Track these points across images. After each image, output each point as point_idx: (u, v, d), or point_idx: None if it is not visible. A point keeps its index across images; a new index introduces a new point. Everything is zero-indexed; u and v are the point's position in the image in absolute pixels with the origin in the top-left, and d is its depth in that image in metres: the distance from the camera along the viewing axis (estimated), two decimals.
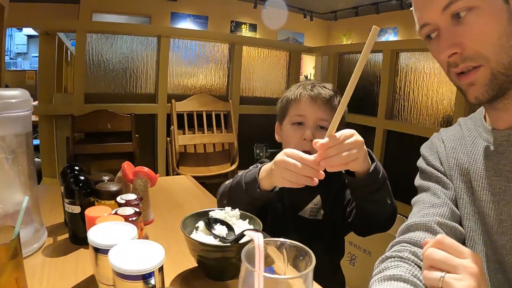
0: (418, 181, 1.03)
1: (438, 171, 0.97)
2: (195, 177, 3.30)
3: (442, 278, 0.63)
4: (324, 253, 1.30)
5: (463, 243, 0.91)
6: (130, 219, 0.93)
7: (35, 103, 3.17)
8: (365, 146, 0.95)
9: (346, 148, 0.89)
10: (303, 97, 1.30)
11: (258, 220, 1.00)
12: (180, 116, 3.48)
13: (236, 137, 3.69)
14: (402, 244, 0.85)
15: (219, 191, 1.27)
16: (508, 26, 0.76)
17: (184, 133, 3.49)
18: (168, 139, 3.49)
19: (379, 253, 0.85)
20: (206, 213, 1.03)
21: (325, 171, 0.99)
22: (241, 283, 0.50)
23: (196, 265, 0.96)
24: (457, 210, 0.91)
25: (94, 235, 0.74)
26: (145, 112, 3.45)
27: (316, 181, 0.93)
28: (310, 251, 0.59)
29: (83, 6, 8.33)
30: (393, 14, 8.98)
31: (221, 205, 1.17)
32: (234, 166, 3.61)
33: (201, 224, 0.97)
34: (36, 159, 4.41)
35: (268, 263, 0.60)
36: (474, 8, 0.76)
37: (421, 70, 3.18)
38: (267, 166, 1.06)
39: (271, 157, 1.21)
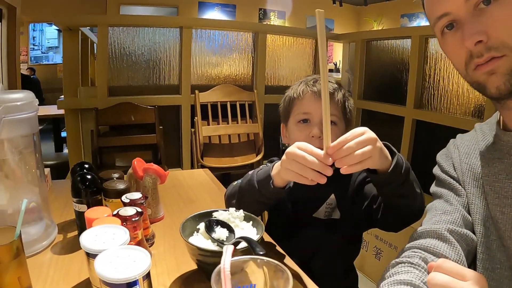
0: (433, 188, 1.03)
1: (451, 177, 0.96)
2: (220, 168, 3.35)
3: None
4: (338, 253, 1.29)
5: (475, 250, 0.88)
6: (133, 219, 0.93)
7: (61, 97, 3.25)
8: (379, 142, 0.89)
9: (358, 146, 0.83)
10: (306, 93, 1.27)
11: (262, 222, 0.99)
12: (204, 107, 3.48)
13: (261, 127, 3.67)
14: (413, 250, 0.84)
15: (226, 192, 1.24)
16: None
17: (208, 124, 3.50)
18: (193, 130, 3.50)
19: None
20: (209, 214, 1.02)
21: (337, 170, 0.95)
22: None
23: None
24: (469, 217, 0.89)
25: (86, 239, 0.75)
26: (169, 103, 3.47)
27: (324, 178, 0.87)
28: (287, 270, 0.57)
29: None
30: None
31: (229, 206, 1.14)
32: (259, 157, 3.59)
33: (202, 226, 0.97)
34: (65, 151, 4.54)
35: (251, 281, 0.59)
36: None
37: (449, 60, 3.06)
38: (278, 162, 1.02)
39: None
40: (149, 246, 1.10)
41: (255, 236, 0.94)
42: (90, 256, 0.74)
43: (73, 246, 1.06)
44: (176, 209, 1.39)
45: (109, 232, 0.79)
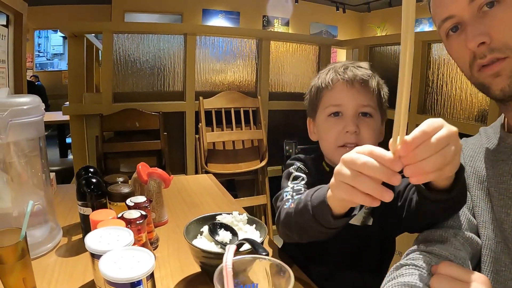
0: None
1: None
2: (224, 174, 3.35)
3: None
4: (374, 261, 1.15)
5: (479, 253, 0.89)
6: (137, 222, 0.94)
7: (66, 103, 3.27)
8: (460, 142, 0.67)
9: (440, 145, 0.61)
10: (336, 82, 1.11)
11: (265, 226, 1.00)
12: (208, 113, 3.50)
13: (265, 134, 3.67)
14: (418, 253, 0.83)
15: (278, 217, 1.00)
16: None
17: (212, 130, 3.51)
18: (197, 136, 3.51)
19: None
20: (213, 217, 1.03)
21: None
22: None
23: None
24: (474, 220, 0.90)
25: (91, 240, 0.76)
26: (173, 110, 3.48)
27: (389, 192, 0.64)
28: (289, 268, 0.57)
29: (115, 6, 8.53)
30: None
31: (284, 236, 1.02)
32: (263, 163, 3.59)
33: (205, 229, 0.98)
34: (70, 157, 4.56)
35: (252, 281, 0.60)
36: (501, 0, 0.77)
37: (454, 62, 3.07)
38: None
39: (302, 153, 1.17)
40: (153, 249, 1.11)
41: (258, 239, 0.94)
42: (95, 257, 0.74)
43: (78, 249, 1.07)
44: (180, 213, 1.40)
45: (113, 233, 0.80)
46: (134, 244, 0.82)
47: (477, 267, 0.88)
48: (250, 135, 3.66)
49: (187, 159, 3.60)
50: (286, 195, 1.03)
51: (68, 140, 4.67)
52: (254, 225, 1.01)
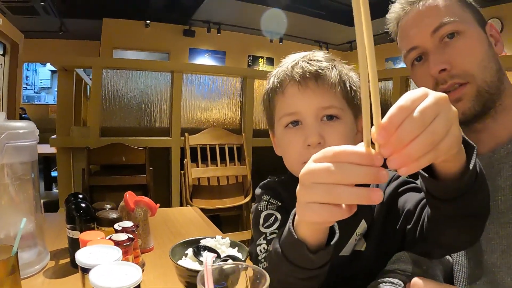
0: None
1: None
2: (209, 210, 3.37)
3: None
4: None
5: (451, 270, 0.93)
6: (124, 244, 0.97)
7: (54, 136, 3.30)
8: (454, 108, 0.53)
9: (427, 119, 0.47)
10: (286, 84, 0.90)
11: (247, 248, 1.04)
12: (193, 149, 3.55)
13: (249, 170, 3.72)
14: (393, 272, 0.87)
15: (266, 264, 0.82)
16: (489, 50, 0.88)
17: (197, 166, 3.55)
18: (182, 172, 3.55)
19: None
20: (197, 241, 1.07)
21: None
22: None
23: None
24: None
25: (82, 256, 0.79)
26: (159, 145, 3.54)
27: (378, 194, 0.50)
28: (266, 273, 0.57)
29: (104, 43, 8.69)
30: None
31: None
32: (247, 199, 3.63)
33: (190, 251, 1.02)
34: (55, 190, 4.54)
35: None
36: (460, 32, 0.87)
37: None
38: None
39: (264, 186, 1.04)
40: None
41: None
42: (85, 271, 0.78)
43: (64, 271, 1.10)
44: (166, 241, 1.43)
45: (102, 251, 0.84)
46: None
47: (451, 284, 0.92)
48: (235, 171, 3.71)
49: (172, 194, 3.62)
50: (259, 252, 0.88)
51: (54, 173, 4.66)
52: (237, 248, 1.05)
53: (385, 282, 0.78)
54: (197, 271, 0.89)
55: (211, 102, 3.96)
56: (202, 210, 1.89)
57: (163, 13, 8.94)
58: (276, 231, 0.88)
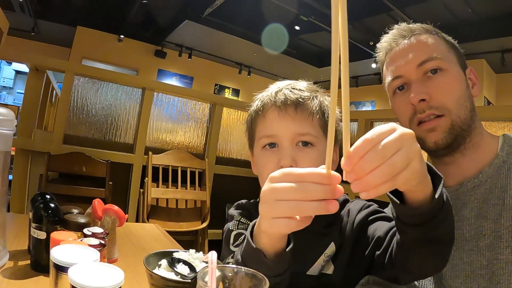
0: None
1: None
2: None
3: None
4: None
5: None
6: (97, 249, 0.93)
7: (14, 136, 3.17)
8: (418, 145, 0.58)
9: (388, 152, 0.54)
10: (268, 109, 0.96)
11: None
12: (155, 169, 3.50)
13: (209, 196, 3.69)
14: None
15: None
16: (466, 90, 0.96)
17: (157, 186, 3.49)
18: (141, 190, 3.48)
19: None
20: (170, 253, 1.04)
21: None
22: None
23: None
24: None
25: (57, 253, 0.75)
26: (122, 161, 3.46)
27: (335, 204, 0.58)
28: (265, 278, 0.58)
29: (75, 51, 8.55)
30: (372, 88, 9.48)
31: None
32: (204, 225, 3.58)
33: (163, 262, 0.98)
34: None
35: None
36: (443, 69, 0.95)
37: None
38: (255, 220, 0.73)
39: (237, 206, 1.08)
40: None
41: None
42: (62, 270, 0.73)
43: (24, 273, 1.03)
44: (129, 254, 1.38)
45: (79, 251, 0.80)
46: None
47: None
48: (194, 195, 3.67)
49: (128, 212, 3.53)
50: None
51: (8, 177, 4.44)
52: None
53: None
54: (173, 281, 0.87)
55: (178, 124, 3.95)
56: None
57: (138, 30, 8.93)
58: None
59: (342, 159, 0.55)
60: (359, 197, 0.58)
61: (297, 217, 0.61)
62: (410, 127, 0.99)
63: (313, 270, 0.91)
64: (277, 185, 0.60)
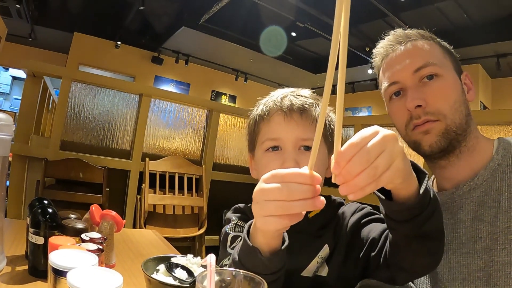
0: None
1: None
2: None
3: None
4: None
5: None
6: (95, 254, 0.93)
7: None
8: (401, 144, 0.62)
9: (373, 155, 0.57)
10: (273, 113, 0.99)
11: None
12: (152, 175, 3.50)
13: (206, 202, 3.69)
14: None
15: None
16: (461, 95, 0.97)
17: (154, 193, 3.49)
18: (138, 196, 3.47)
19: None
20: (168, 258, 1.04)
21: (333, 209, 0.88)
22: None
23: None
24: None
25: (56, 257, 0.75)
26: (119, 167, 3.46)
27: (321, 200, 0.63)
28: (264, 281, 0.59)
29: (72, 57, 8.56)
30: (368, 94, 9.52)
31: None
32: (201, 231, 3.57)
33: (161, 267, 0.99)
34: None
35: None
36: (438, 75, 0.96)
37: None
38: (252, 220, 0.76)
39: (234, 210, 1.13)
40: None
41: None
42: (60, 274, 0.73)
43: (22, 278, 1.03)
44: (127, 259, 1.38)
45: (77, 255, 0.80)
46: None
47: None
48: (191, 201, 3.67)
49: (125, 218, 3.51)
50: None
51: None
52: None
53: None
54: (171, 285, 0.87)
55: (175, 130, 3.95)
56: None
57: (135, 37, 8.96)
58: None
59: (332, 162, 0.59)
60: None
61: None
62: (406, 132, 1.01)
63: (307, 271, 0.94)
64: (265, 186, 0.65)
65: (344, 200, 1.07)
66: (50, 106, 4.82)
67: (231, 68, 10.58)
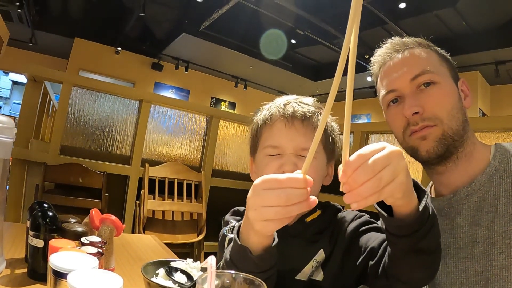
0: None
1: None
2: None
3: None
4: None
5: None
6: (95, 257, 0.93)
7: None
8: (405, 161, 0.65)
9: (377, 168, 0.60)
10: (275, 119, 1.01)
11: None
12: (151, 181, 3.50)
13: (205, 208, 3.69)
14: None
15: None
16: (458, 102, 0.98)
17: (154, 198, 3.49)
18: (137, 202, 3.47)
19: None
20: (167, 262, 1.04)
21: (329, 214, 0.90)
22: None
23: None
24: None
25: (56, 260, 0.75)
26: (118, 172, 3.45)
27: (313, 200, 0.66)
28: (263, 283, 0.60)
29: (72, 62, 8.59)
30: (367, 101, 9.54)
31: None
32: (200, 237, 3.57)
33: (161, 271, 0.99)
34: None
35: None
36: (436, 82, 0.98)
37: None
38: (244, 220, 0.77)
39: (233, 212, 1.16)
40: None
41: None
42: (60, 276, 0.74)
43: (21, 281, 1.03)
44: (126, 264, 1.38)
45: (78, 257, 0.80)
46: None
47: None
48: (190, 207, 3.66)
49: (125, 223, 3.51)
50: None
51: None
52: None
53: None
54: None
55: (174, 136, 3.95)
56: None
57: (135, 43, 8.99)
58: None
59: (339, 171, 0.62)
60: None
61: None
62: (404, 138, 1.02)
63: (302, 275, 0.96)
64: (261, 192, 0.67)
65: (343, 207, 1.09)
66: (50, 111, 4.82)
67: (231, 75, 10.61)
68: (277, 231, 0.76)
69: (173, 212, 3.63)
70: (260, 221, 0.68)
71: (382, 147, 0.62)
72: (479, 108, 7.56)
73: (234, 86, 10.80)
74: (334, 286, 0.96)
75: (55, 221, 1.09)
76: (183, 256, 1.28)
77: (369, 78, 7.75)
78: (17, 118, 3.36)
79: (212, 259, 0.58)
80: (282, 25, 7.29)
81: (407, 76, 1.00)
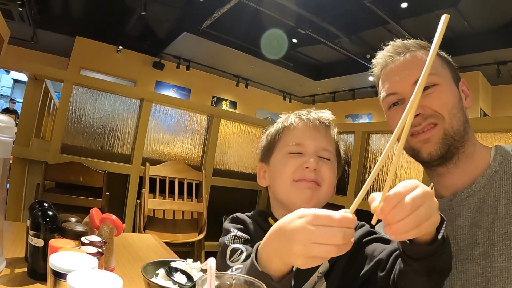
0: None
1: None
2: None
3: None
4: None
5: None
6: (95, 257, 0.93)
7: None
8: (436, 200, 0.69)
9: (415, 206, 0.64)
10: (298, 123, 1.08)
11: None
12: (152, 180, 3.50)
13: (205, 207, 3.69)
14: None
15: None
16: (459, 102, 0.99)
17: (154, 197, 3.49)
18: (138, 201, 3.47)
19: None
20: (167, 262, 1.04)
21: None
22: None
23: None
24: None
25: (56, 260, 0.75)
26: (119, 171, 3.46)
27: (352, 240, 0.67)
28: (263, 285, 0.60)
29: (73, 60, 8.60)
30: (368, 101, 9.55)
31: None
32: (201, 236, 3.57)
33: (161, 271, 0.99)
34: None
35: None
36: (437, 84, 0.98)
37: (391, 151, 3.33)
38: (267, 244, 0.75)
39: (233, 220, 1.13)
40: None
41: None
42: (60, 276, 0.74)
43: (21, 281, 1.03)
44: (126, 263, 1.38)
45: (77, 257, 0.80)
46: None
47: None
48: (191, 207, 3.66)
49: (125, 222, 3.52)
50: None
51: None
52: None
53: None
54: None
55: (175, 135, 3.95)
56: None
57: (137, 42, 8.99)
58: (241, 265, 0.91)
59: (378, 206, 0.65)
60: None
61: None
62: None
63: (306, 286, 0.96)
64: (314, 229, 0.65)
65: (344, 206, 1.09)
66: (51, 110, 4.83)
67: (232, 74, 10.61)
68: None
69: (173, 211, 3.63)
70: (306, 257, 0.66)
71: (415, 185, 0.66)
72: (481, 109, 7.56)
73: (235, 85, 10.80)
74: None
75: (55, 220, 1.09)
76: (183, 255, 1.28)
77: (370, 78, 7.75)
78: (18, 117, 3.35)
79: (212, 261, 0.58)
80: (283, 24, 7.28)
81: (408, 79, 1.00)
